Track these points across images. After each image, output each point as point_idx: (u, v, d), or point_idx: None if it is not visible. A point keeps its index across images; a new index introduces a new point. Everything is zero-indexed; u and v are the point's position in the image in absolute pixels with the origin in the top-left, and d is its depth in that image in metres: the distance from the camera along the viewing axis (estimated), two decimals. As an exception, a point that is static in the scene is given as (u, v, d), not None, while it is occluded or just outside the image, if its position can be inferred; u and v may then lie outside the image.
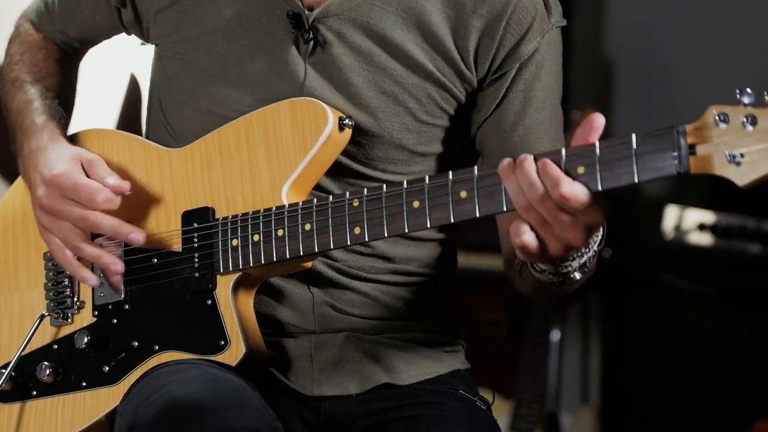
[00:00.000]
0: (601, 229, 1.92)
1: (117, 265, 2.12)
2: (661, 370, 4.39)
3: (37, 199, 2.16)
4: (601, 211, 1.82)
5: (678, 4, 4.67)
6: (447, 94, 2.15)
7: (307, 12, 2.12)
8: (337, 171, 2.14)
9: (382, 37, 2.12)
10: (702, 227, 4.28)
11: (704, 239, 4.28)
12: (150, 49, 2.32)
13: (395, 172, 2.17)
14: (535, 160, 1.82)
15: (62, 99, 2.34)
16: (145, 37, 2.28)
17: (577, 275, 1.94)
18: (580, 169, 1.80)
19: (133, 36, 2.32)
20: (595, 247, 1.92)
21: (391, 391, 2.19)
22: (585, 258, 1.92)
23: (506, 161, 1.85)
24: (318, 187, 2.13)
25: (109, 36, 2.37)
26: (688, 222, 4.29)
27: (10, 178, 3.81)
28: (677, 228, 4.31)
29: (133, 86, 3.97)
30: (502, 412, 4.06)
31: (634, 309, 4.47)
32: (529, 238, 1.84)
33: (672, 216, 4.31)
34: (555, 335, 4.35)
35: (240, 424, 1.90)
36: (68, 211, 2.12)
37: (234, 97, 2.16)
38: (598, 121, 1.82)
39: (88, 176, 2.14)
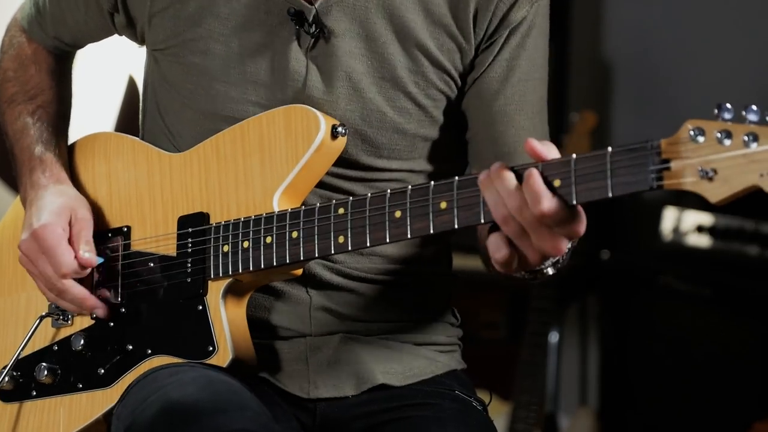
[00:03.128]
0: None
1: (100, 310, 2.16)
2: (660, 372, 4.39)
3: (20, 245, 2.20)
4: (580, 223, 1.82)
5: (676, 6, 4.67)
6: (445, 75, 2.15)
7: (308, 6, 2.12)
8: (344, 162, 2.14)
9: (382, 20, 2.12)
10: (700, 229, 4.28)
11: (702, 241, 4.27)
12: (148, 51, 2.32)
13: (400, 158, 2.17)
14: (515, 171, 1.82)
15: (58, 113, 2.35)
16: (139, 41, 2.28)
17: (550, 270, 1.95)
18: (557, 183, 1.80)
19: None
20: (569, 245, 1.91)
21: (386, 392, 2.19)
22: (558, 257, 1.92)
23: (484, 173, 1.85)
24: (329, 174, 2.13)
25: (101, 38, 2.38)
26: (687, 224, 4.29)
27: (11, 182, 3.82)
28: (675, 230, 4.31)
29: (131, 88, 3.98)
30: (500, 413, 4.06)
31: (632, 310, 4.47)
32: (507, 253, 1.85)
33: (670, 218, 4.31)
34: (553, 337, 4.35)
35: (238, 426, 1.90)
36: (41, 268, 2.18)
37: (235, 97, 2.17)
38: (533, 147, 1.82)
39: (70, 235, 2.18)
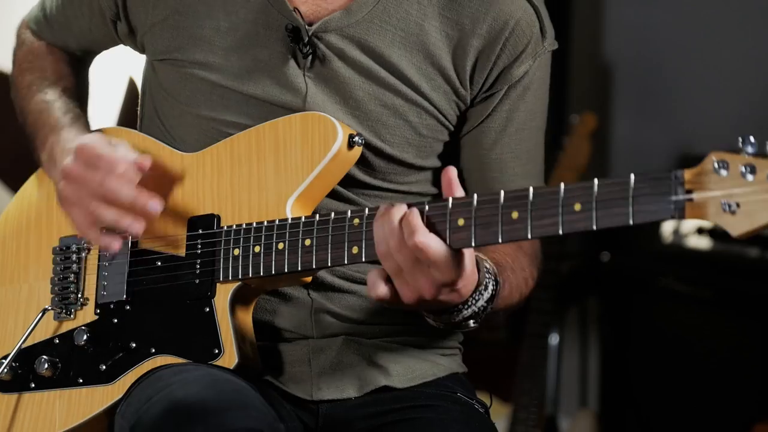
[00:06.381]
0: (489, 287, 1.95)
1: (136, 228, 2.10)
2: (660, 374, 4.39)
3: (63, 168, 2.15)
4: (457, 272, 1.86)
5: (676, 8, 4.68)
6: (440, 114, 2.17)
7: (306, 26, 2.12)
8: (340, 180, 2.14)
9: (380, 55, 2.13)
10: (700, 231, 4.28)
11: (702, 243, 4.28)
12: (148, 53, 2.33)
13: (395, 181, 2.19)
14: (422, 212, 1.87)
15: (81, 98, 2.37)
16: (140, 50, 2.29)
17: (471, 323, 1.98)
18: (460, 222, 1.85)
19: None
20: (480, 304, 1.95)
21: (389, 394, 2.20)
22: (469, 311, 1.95)
23: (383, 207, 1.90)
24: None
25: (107, 47, 2.39)
26: (687, 225, 4.29)
27: (11, 183, 3.82)
28: (676, 231, 4.31)
29: (132, 90, 3.98)
30: (500, 416, 4.06)
31: (632, 312, 4.47)
32: (382, 290, 1.90)
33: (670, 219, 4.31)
34: (553, 339, 4.35)
35: (243, 425, 1.91)
36: (90, 177, 2.11)
37: (235, 108, 2.17)
38: (451, 173, 1.89)
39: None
